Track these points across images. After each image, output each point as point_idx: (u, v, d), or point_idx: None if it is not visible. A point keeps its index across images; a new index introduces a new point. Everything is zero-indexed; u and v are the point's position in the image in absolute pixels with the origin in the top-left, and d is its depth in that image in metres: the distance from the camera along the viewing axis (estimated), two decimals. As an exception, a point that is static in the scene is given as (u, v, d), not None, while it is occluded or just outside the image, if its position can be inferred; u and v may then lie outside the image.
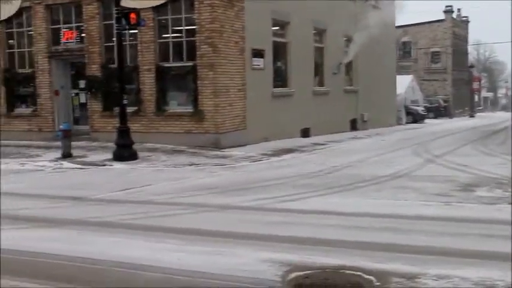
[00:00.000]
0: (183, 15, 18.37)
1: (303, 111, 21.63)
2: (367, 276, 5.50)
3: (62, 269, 6.10)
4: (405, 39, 60.47)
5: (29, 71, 21.22)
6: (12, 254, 6.64)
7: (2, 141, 19.59)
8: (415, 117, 40.14)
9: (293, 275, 5.60)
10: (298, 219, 8.21)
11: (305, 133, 21.85)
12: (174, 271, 5.77)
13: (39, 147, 18.37)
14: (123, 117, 15.60)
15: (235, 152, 16.72)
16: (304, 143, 19.49)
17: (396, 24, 35.06)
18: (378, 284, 5.34)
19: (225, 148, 17.23)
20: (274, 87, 20.71)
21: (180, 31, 18.63)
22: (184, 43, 18.39)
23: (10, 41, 21.84)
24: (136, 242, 7.05)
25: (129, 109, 16.43)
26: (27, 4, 20.82)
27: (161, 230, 7.68)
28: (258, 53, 19.56)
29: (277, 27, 21.18)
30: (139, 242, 7.05)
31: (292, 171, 13.35)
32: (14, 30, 21.67)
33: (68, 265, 6.20)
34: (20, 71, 21.57)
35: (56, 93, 20.56)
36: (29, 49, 21.31)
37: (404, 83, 42.00)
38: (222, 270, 5.78)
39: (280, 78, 21.37)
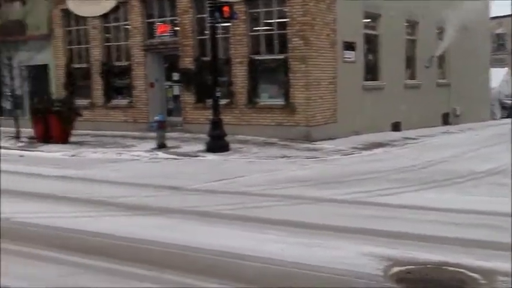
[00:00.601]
0: (275, 8, 18.47)
1: (394, 105, 21.32)
2: (472, 274, 5.41)
3: (164, 255, 6.32)
4: (500, 30, 58.39)
5: (125, 63, 21.92)
6: (114, 240, 6.95)
7: (100, 131, 20.39)
8: (509, 112, 38.75)
9: (395, 269, 5.59)
10: (394, 214, 8.15)
11: (396, 127, 21.53)
12: (277, 262, 5.87)
13: (134, 137, 18.98)
14: (216, 109, 15.87)
15: (326, 145, 16.70)
16: (395, 137, 19.22)
17: (491, 16, 33.89)
18: (483, 282, 5.24)
19: (315, 141, 17.23)
20: (365, 80, 20.51)
21: (271, 24, 18.75)
22: (275, 36, 18.50)
23: (107, 35, 22.62)
24: (235, 232, 7.21)
25: (221, 101, 16.68)
26: (123, -1, 21.51)
27: (258, 220, 7.80)
28: (349, 46, 19.42)
29: (368, 20, 20.94)
30: (238, 232, 7.20)
31: (384, 165, 13.22)
32: (111, 24, 22.43)
33: (170, 252, 6.42)
34: (117, 63, 22.32)
35: (151, 85, 21.15)
36: (125, 42, 22.00)
37: (498, 76, 40.51)
38: (322, 262, 5.83)
39: (371, 71, 21.14)
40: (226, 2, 16.06)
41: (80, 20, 22.96)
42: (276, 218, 7.90)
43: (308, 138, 17.43)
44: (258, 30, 18.88)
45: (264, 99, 18.63)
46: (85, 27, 22.87)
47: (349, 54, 19.39)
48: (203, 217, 8.11)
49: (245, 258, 6.04)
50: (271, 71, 18.59)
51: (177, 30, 20.44)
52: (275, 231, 7.18)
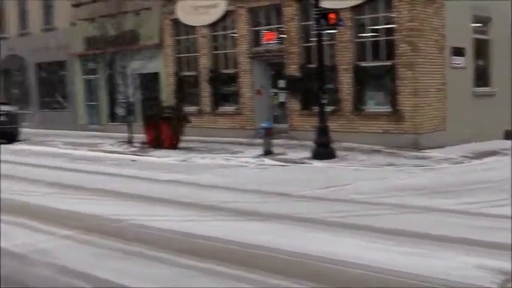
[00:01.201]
0: (381, 14, 18.33)
1: (506, 112, 20.56)
2: None
3: (272, 260, 6.45)
4: None
5: (232, 71, 22.40)
6: (224, 244, 7.16)
7: (207, 138, 20.93)
8: None
9: (512, 284, 5.45)
10: (509, 226, 7.90)
11: (508, 135, 20.73)
12: (386, 271, 5.86)
13: (241, 144, 19.34)
14: (322, 116, 15.94)
15: (435, 153, 16.35)
16: (508, 146, 18.52)
17: None
18: None
19: (423, 149, 16.91)
20: (475, 86, 19.91)
21: (377, 30, 18.61)
22: (382, 42, 18.34)
23: (215, 44, 23.20)
24: (342, 240, 7.25)
25: (327, 108, 16.71)
26: (231, 8, 22.00)
27: (367, 229, 7.79)
28: (458, 51, 18.93)
29: (478, 24, 20.33)
30: (345, 240, 7.23)
31: (497, 174, 12.78)
32: (219, 33, 23.00)
33: (278, 257, 6.54)
34: (224, 71, 22.85)
35: (258, 92, 21.49)
36: (232, 50, 22.49)
37: None
38: (433, 272, 5.77)
39: (481, 77, 20.49)
40: (332, 9, 16.13)
41: (189, 29, 23.69)
42: (385, 227, 7.85)
43: (416, 146, 17.13)
44: (364, 37, 18.78)
45: (371, 107, 18.51)
46: (194, 36, 23.57)
47: (458, 60, 18.89)
48: (311, 223, 8.19)
49: (351, 266, 6.07)
50: (378, 77, 18.45)
51: (283, 37, 20.67)
52: (383, 239, 7.16)
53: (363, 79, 18.72)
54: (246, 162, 15.47)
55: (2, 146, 22.97)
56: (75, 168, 15.62)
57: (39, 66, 32.93)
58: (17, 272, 6.19)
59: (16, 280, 5.98)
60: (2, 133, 24.74)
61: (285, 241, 7.18)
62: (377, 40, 18.51)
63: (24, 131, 25.88)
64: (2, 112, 25.02)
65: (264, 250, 6.83)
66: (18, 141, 24.31)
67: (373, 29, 18.72)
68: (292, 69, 20.22)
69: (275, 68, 21.50)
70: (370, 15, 18.58)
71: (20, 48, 33.56)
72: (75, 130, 28.21)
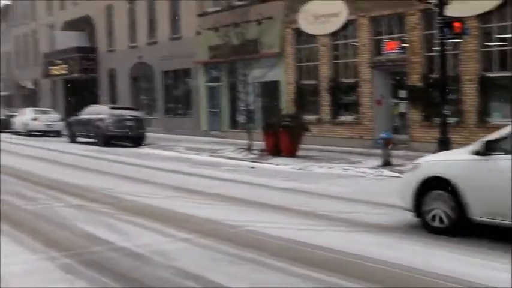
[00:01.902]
0: (510, 23, 17.60)
1: None
2: None
3: (383, 273, 6.39)
4: None
5: (352, 80, 22.30)
6: (334, 254, 7.16)
7: (326, 146, 20.95)
8: None
9: None
10: None
11: None
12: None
13: (360, 153, 19.19)
14: (443, 127, 15.52)
15: None
16: None
17: None
18: None
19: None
20: None
21: (505, 39, 17.88)
22: (510, 52, 17.59)
23: (335, 53, 23.20)
24: (455, 256, 7.04)
25: (450, 120, 16.24)
26: (353, 17, 21.93)
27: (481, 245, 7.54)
28: None
29: None
30: (460, 257, 7.03)
31: None
32: (340, 42, 22.99)
33: (389, 271, 6.48)
34: (344, 80, 22.80)
35: (378, 102, 21.26)
36: (352, 60, 22.39)
37: None
38: None
39: None
40: (457, 18, 15.68)
41: (310, 38, 23.85)
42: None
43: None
44: (490, 46, 18.11)
45: (496, 119, 17.76)
46: (314, 45, 23.70)
47: None
48: (421, 238, 7.99)
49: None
50: (505, 88, 17.70)
51: (405, 46, 20.34)
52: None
53: (488, 90, 18.05)
54: (363, 173, 15.34)
55: (129, 149, 24.14)
56: (196, 173, 16.12)
57: (166, 73, 34.30)
58: (136, 271, 6.51)
59: (135, 279, 6.30)
60: (129, 137, 26.01)
61: (395, 254, 7.08)
62: (505, 49, 17.78)
63: (150, 135, 27.04)
64: (130, 117, 26.30)
65: (374, 262, 6.78)
66: (144, 145, 25.44)
67: (500, 37, 18.01)
68: (414, 79, 19.84)
69: (396, 77, 21.19)
70: (498, 24, 17.90)
71: (148, 56, 35.12)
72: (197, 136, 29.12)
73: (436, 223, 8.14)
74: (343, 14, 22.28)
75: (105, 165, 18.02)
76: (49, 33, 48.69)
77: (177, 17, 32.97)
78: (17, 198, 11.44)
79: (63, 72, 43.46)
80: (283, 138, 19.10)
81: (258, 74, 22.45)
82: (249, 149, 20.28)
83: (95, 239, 7.97)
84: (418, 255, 7.09)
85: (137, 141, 25.93)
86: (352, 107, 22.48)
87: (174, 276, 6.33)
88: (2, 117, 41.38)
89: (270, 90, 25.80)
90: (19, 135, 35.70)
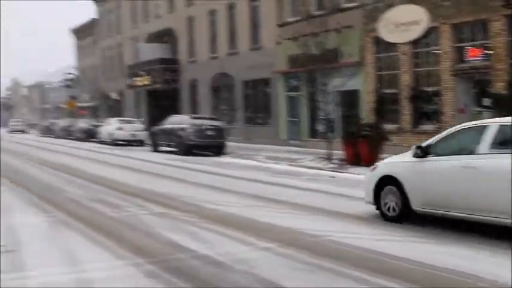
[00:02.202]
0: None
1: None
2: None
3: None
4: None
5: (434, 89, 21.92)
6: (413, 265, 7.10)
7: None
8: None
9: None
10: None
11: None
12: None
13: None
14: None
15: None
16: None
17: None
18: None
19: None
20: None
21: None
22: None
23: (416, 61, 22.86)
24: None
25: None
26: (434, 24, 21.57)
27: None
28: None
29: None
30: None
31: None
32: (421, 50, 22.64)
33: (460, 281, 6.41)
34: (425, 89, 22.42)
35: (461, 111, 20.80)
36: (434, 68, 22.01)
37: None
38: None
39: None
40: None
41: (390, 46, 23.60)
42: None
43: None
44: None
45: None
46: (394, 53, 23.44)
47: None
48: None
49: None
50: None
51: (488, 53, 19.83)
52: None
53: None
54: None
55: (210, 158, 24.56)
56: (276, 182, 16.23)
57: (246, 83, 34.70)
58: (217, 279, 6.65)
59: (215, 286, 6.43)
60: (210, 146, 26.47)
61: (477, 267, 6.95)
62: None
63: (230, 144, 27.40)
64: (210, 127, 26.77)
65: (449, 273, 6.70)
66: (224, 154, 25.81)
67: None
68: (499, 86, 19.30)
69: (479, 85, 20.66)
70: None
71: (229, 66, 35.64)
72: (276, 145, 29.30)
73: (390, 213, 10.08)
74: (423, 22, 21.96)
75: (186, 173, 18.41)
76: (133, 45, 50.19)
77: (257, 28, 33.34)
78: (103, 206, 11.87)
79: (147, 83, 44.68)
80: (363, 148, 18.98)
81: (337, 83, 22.43)
82: (328, 158, 20.25)
83: (177, 247, 8.18)
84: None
85: (217, 150, 26.36)
86: (434, 116, 22.08)
87: (253, 284, 6.43)
88: (89, 127, 42.96)
89: (350, 99, 25.69)
90: (105, 144, 36.94)
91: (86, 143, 40.22)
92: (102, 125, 40.01)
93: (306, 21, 26.27)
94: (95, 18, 61.80)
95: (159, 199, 12.81)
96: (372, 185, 10.47)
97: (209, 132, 26.38)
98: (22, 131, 72.05)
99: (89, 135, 41.88)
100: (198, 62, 40.12)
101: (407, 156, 9.98)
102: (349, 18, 25.04)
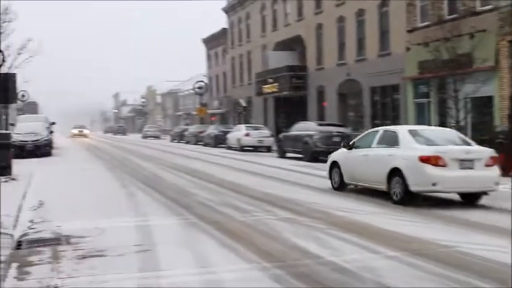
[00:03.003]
0: None
1: None
2: None
3: None
4: None
5: None
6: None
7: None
8: None
9: None
10: None
11: None
12: None
13: None
14: None
15: None
16: None
17: None
18: None
19: None
20: None
21: None
22: None
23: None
24: None
25: None
26: None
27: None
28: None
29: None
30: None
31: None
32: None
33: None
34: None
35: None
36: None
37: None
38: None
39: None
40: None
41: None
42: None
43: None
44: None
45: None
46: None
47: None
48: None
49: None
50: None
51: None
52: None
53: None
54: None
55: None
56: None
57: (373, 90, 34.30)
58: (342, 286, 6.64)
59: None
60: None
61: None
62: None
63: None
64: (337, 133, 26.71)
65: None
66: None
67: None
68: None
69: None
70: None
71: (356, 73, 35.40)
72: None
73: (335, 185, 15.72)
74: None
75: (311, 179, 18.45)
76: (262, 53, 51.04)
77: (386, 34, 32.91)
78: (231, 210, 12.18)
79: (274, 90, 45.26)
80: (499, 155, 18.14)
81: (470, 89, 21.65)
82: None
83: (304, 252, 8.24)
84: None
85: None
86: None
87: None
88: (218, 133, 44.13)
89: (482, 105, 24.68)
90: (233, 150, 37.80)
91: (215, 148, 41.33)
92: (230, 131, 40.96)
93: (437, 25, 25.54)
94: (225, 28, 63.45)
95: (285, 204, 12.95)
96: (327, 167, 16.20)
97: (336, 139, 26.27)
98: (156, 137, 75.21)
99: (218, 141, 42.99)
100: (325, 69, 40.13)
101: (344, 148, 15.58)
102: (484, 22, 24.07)
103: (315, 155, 26.46)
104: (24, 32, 29.65)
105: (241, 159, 28.82)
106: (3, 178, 17.32)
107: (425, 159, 12.44)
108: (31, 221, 10.97)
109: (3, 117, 29.36)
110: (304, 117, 39.26)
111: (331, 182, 15.80)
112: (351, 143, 15.29)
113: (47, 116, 40.47)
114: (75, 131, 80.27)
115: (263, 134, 37.21)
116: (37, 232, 9.97)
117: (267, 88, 46.46)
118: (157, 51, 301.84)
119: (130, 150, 40.00)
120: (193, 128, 55.54)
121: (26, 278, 7.12)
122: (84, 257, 8.03)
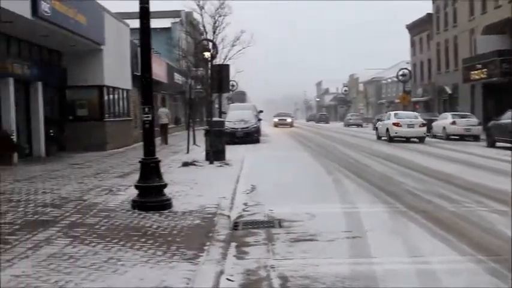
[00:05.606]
0: None
1: None
2: None
3: None
4: None
5: None
6: None
7: None
8: None
9: None
10: None
11: None
12: None
13: None
14: None
15: None
16: None
17: None
18: None
19: None
20: None
21: None
22: None
23: None
24: None
25: None
26: None
27: None
28: None
29: None
30: None
31: None
32: None
33: None
34: None
35: None
36: None
37: None
38: None
39: None
40: None
41: None
42: None
43: None
44: None
45: None
46: None
47: None
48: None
49: None
50: None
51: None
52: None
53: None
54: None
55: None
56: None
57: None
58: None
59: None
60: None
61: None
62: None
63: None
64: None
65: None
66: None
67: None
68: None
69: None
70: None
71: None
72: None
73: None
74: None
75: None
76: (469, 38, 48.82)
77: None
78: (440, 199, 11.90)
79: (483, 76, 43.13)
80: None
81: None
82: None
83: (521, 246, 7.86)
84: None
85: None
86: None
87: None
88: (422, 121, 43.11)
89: None
90: (437, 138, 36.76)
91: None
92: (435, 120, 39.84)
93: None
94: (430, 13, 61.57)
95: (497, 195, 12.36)
96: None
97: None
98: (358, 125, 75.14)
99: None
100: (540, 53, 37.37)
101: None
102: None
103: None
104: (239, 24, 31.42)
105: (446, 148, 27.97)
106: (218, 163, 18.55)
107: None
108: (245, 204, 11.64)
109: (216, 106, 31.27)
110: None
111: None
112: None
113: (255, 105, 42.33)
114: (277, 119, 75.13)
115: (471, 122, 35.74)
116: (251, 214, 10.56)
117: (475, 74, 44.38)
118: (359, 41, 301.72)
119: (333, 138, 40.52)
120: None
121: (244, 257, 7.59)
122: (296, 241, 8.37)
